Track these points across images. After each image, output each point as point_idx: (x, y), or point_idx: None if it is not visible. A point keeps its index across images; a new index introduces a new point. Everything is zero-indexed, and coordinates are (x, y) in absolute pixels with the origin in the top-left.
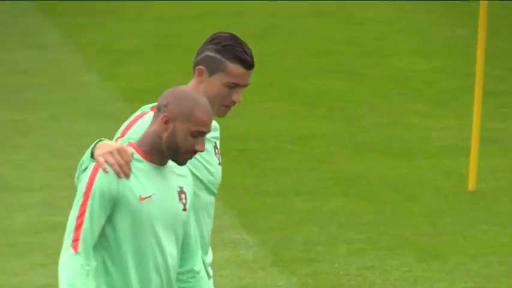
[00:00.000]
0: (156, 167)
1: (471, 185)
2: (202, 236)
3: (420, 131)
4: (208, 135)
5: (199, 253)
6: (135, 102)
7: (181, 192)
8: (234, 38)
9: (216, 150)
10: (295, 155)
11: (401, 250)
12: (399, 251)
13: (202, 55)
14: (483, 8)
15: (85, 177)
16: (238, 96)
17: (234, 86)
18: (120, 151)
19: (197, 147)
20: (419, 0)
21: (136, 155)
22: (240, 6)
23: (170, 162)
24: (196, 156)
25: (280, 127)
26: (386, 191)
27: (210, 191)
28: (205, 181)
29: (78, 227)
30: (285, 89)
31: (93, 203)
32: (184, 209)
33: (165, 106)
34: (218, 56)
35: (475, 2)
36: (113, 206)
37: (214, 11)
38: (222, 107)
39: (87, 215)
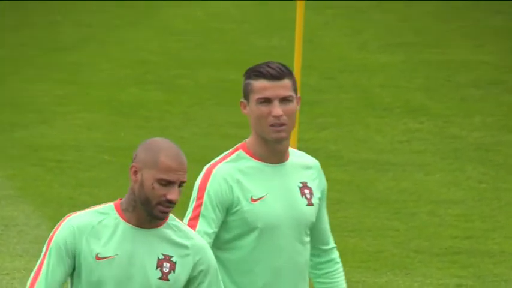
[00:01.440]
0: (134, 229)
1: None
2: None
3: (237, 141)
4: (293, 178)
5: None
6: None
7: (164, 260)
8: (263, 62)
9: (306, 191)
10: (113, 166)
11: None
12: None
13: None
14: (300, 17)
15: None
16: (276, 109)
17: (265, 101)
18: None
19: (169, 197)
20: (234, 11)
21: (117, 216)
22: (55, 16)
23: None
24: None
25: (97, 138)
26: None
27: (295, 238)
28: (283, 227)
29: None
30: (101, 100)
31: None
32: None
33: (134, 158)
34: (246, 81)
35: (292, 11)
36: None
37: (31, 22)
38: (269, 128)
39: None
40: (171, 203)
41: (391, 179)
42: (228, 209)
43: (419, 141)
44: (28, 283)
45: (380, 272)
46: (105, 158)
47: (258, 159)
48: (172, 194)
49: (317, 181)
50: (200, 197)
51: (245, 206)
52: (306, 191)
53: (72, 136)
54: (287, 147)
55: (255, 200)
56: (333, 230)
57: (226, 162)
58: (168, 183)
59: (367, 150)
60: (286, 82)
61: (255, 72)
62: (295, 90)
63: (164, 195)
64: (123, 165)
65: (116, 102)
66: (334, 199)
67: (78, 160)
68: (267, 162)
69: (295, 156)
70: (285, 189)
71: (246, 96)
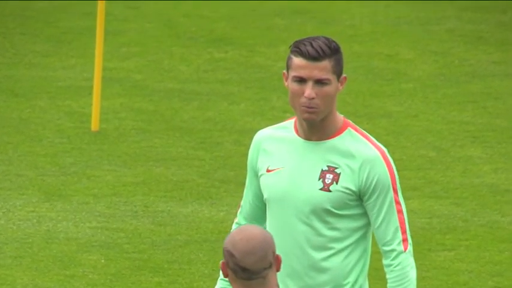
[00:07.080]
0: None
1: (94, 125)
2: None
3: (41, 71)
4: (321, 158)
5: None
6: None
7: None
8: (310, 36)
9: (329, 175)
10: None
11: (25, 190)
12: (23, 191)
13: None
14: None
15: None
16: (308, 91)
17: (299, 80)
18: None
19: None
20: None
21: None
22: None
23: None
24: None
25: None
26: (8, 131)
27: (299, 218)
28: (285, 203)
29: None
30: None
31: None
32: None
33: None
34: (289, 54)
35: None
36: None
37: None
38: (301, 107)
39: None
40: None
41: (196, 109)
42: (257, 175)
43: (224, 71)
44: None
45: (185, 202)
46: None
47: (297, 132)
48: None
49: (356, 173)
50: None
51: (262, 174)
52: (329, 175)
53: None
54: (326, 127)
55: (269, 171)
56: (138, 160)
57: (272, 128)
58: None
59: (171, 80)
60: (325, 64)
61: (296, 48)
62: (336, 72)
63: None
64: None
65: None
66: (138, 129)
67: None
68: (302, 136)
69: (348, 139)
70: (304, 167)
71: (287, 69)
